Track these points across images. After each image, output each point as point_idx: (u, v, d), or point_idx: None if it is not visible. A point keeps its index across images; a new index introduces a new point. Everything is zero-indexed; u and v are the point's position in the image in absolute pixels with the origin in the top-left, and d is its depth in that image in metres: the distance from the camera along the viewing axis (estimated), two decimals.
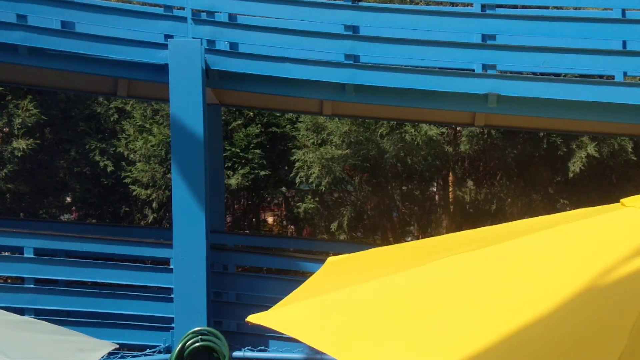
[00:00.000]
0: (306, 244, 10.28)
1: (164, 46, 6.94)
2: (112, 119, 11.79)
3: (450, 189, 11.83)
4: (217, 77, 7.17)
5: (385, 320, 2.43)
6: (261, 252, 8.00)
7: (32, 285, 7.04)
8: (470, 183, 11.77)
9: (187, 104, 6.84)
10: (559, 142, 10.37)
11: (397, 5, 8.76)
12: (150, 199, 11.29)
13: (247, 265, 8.66)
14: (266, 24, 7.29)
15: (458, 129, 11.04)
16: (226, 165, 10.86)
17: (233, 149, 11.23)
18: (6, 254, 7.82)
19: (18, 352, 3.48)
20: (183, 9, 7.13)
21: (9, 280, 9.12)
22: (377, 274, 2.70)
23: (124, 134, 11.54)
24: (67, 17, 7.08)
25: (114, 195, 12.08)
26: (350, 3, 7.16)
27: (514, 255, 2.58)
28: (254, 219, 12.99)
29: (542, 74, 7.53)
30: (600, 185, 10.75)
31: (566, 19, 7.06)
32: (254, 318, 2.60)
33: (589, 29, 6.91)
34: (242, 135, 11.39)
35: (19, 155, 10.86)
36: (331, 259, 3.16)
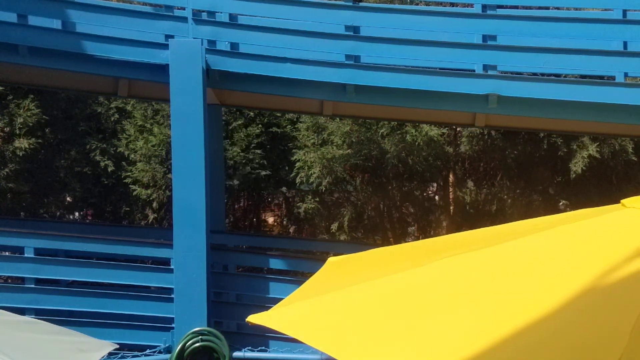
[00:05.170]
0: (306, 244, 10.28)
1: (164, 46, 6.95)
2: (112, 118, 11.79)
3: (451, 189, 11.83)
4: (218, 77, 7.17)
5: (386, 320, 2.43)
6: (262, 252, 8.00)
7: (32, 285, 7.04)
8: (470, 183, 11.77)
9: (187, 104, 6.84)
10: (559, 143, 10.37)
11: (397, 6, 8.77)
12: (151, 199, 11.29)
13: (247, 265, 8.67)
14: (267, 24, 7.29)
15: (458, 129, 11.04)
16: (227, 165, 10.86)
17: (233, 149, 11.23)
18: (7, 253, 7.82)
19: (18, 352, 3.48)
20: (184, 9, 7.13)
21: (10, 281, 9.12)
22: (377, 275, 2.70)
23: (124, 134, 11.54)
24: (67, 17, 7.08)
25: (115, 195, 12.08)
26: (351, 3, 7.16)
27: (514, 256, 2.58)
28: (254, 219, 12.98)
29: (542, 74, 7.53)
30: (601, 185, 10.75)
31: (567, 20, 7.06)
32: (254, 318, 2.61)
33: (589, 30, 6.91)
34: (242, 135, 11.38)
35: (21, 155, 10.87)
36: (331, 260, 3.16)
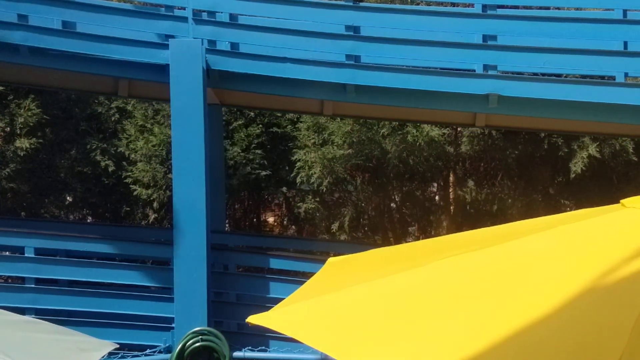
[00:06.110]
0: (307, 244, 10.27)
1: (164, 46, 6.94)
2: (113, 118, 11.79)
3: (451, 189, 11.82)
4: (218, 77, 7.17)
5: (386, 320, 2.43)
6: (262, 252, 8.00)
7: (32, 285, 7.04)
8: (471, 183, 11.76)
9: (188, 104, 6.84)
10: (559, 143, 10.37)
11: (398, 6, 8.77)
12: (151, 198, 11.29)
13: (247, 265, 8.67)
14: (267, 24, 7.29)
15: (459, 129, 11.04)
16: (227, 165, 10.86)
17: (234, 149, 11.23)
18: (7, 253, 7.82)
19: (18, 352, 3.48)
20: (184, 9, 7.13)
21: (10, 280, 9.12)
22: (377, 275, 2.70)
23: (125, 134, 11.54)
24: (68, 17, 7.07)
25: (115, 195, 12.08)
26: (351, 3, 7.16)
27: (515, 256, 2.58)
28: (254, 219, 12.98)
29: (543, 74, 7.53)
30: (601, 185, 10.74)
31: (567, 20, 7.06)
32: (254, 318, 2.61)
33: (590, 30, 6.91)
34: (243, 135, 11.38)
35: (22, 154, 10.87)
36: (332, 260, 3.16)
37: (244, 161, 11.32)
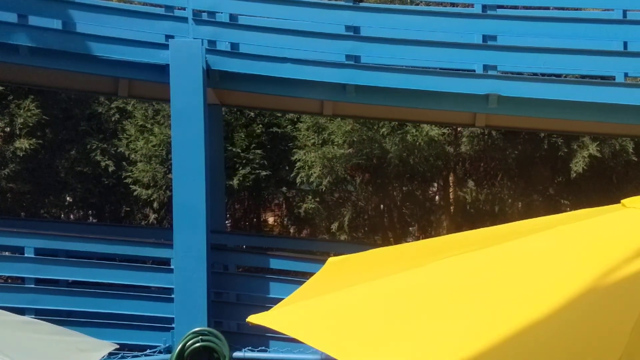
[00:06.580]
0: (306, 244, 10.27)
1: (164, 46, 6.95)
2: (113, 118, 11.79)
3: (451, 189, 11.82)
4: (218, 78, 7.17)
5: (386, 320, 2.43)
6: (262, 252, 8.00)
7: (32, 285, 7.04)
8: (471, 183, 11.76)
9: (188, 104, 6.84)
10: (559, 143, 10.37)
11: (397, 6, 8.77)
12: (151, 199, 11.29)
13: (247, 265, 8.67)
14: (267, 24, 7.29)
15: (459, 129, 11.04)
16: (227, 166, 10.85)
17: (234, 149, 11.23)
18: (7, 253, 7.81)
19: (18, 352, 3.48)
20: (184, 9, 7.13)
21: (10, 281, 9.11)
22: (377, 275, 2.70)
23: (125, 134, 11.54)
24: (68, 17, 7.08)
25: (115, 195, 12.08)
26: (351, 4, 7.16)
27: (515, 256, 2.58)
28: (254, 219, 12.98)
29: (542, 74, 7.53)
30: (601, 185, 10.74)
31: (567, 20, 7.06)
32: (254, 318, 2.61)
33: (589, 30, 6.91)
34: (243, 136, 11.38)
35: (22, 155, 10.87)
36: (332, 260, 3.16)
37: (243, 161, 11.32)
